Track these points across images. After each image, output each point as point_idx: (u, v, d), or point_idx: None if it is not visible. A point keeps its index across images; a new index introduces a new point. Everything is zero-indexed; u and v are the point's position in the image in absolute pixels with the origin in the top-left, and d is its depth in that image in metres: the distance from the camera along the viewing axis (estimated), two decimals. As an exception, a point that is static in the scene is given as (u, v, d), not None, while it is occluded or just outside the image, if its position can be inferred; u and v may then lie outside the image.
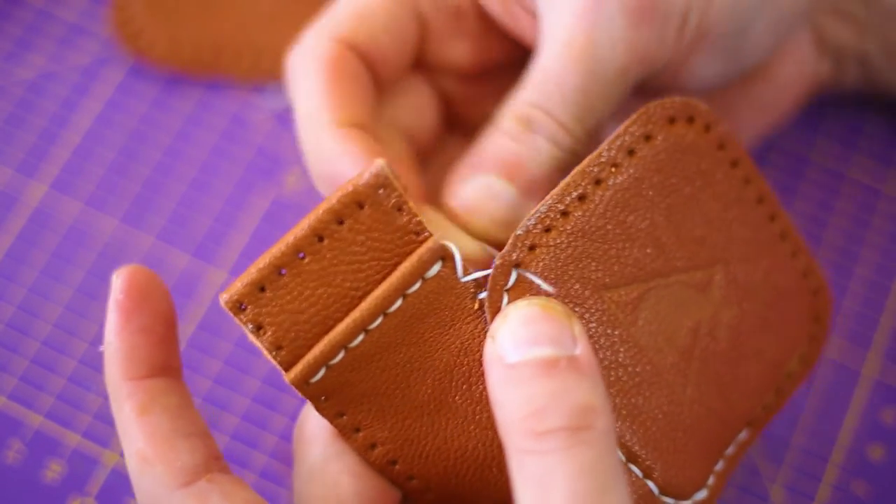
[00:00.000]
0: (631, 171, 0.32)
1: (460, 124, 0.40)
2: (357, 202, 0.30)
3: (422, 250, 0.30)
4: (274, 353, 0.30)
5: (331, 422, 0.31)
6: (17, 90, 0.48)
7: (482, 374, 0.31)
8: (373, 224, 0.30)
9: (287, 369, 0.30)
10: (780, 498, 0.42)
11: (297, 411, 0.43)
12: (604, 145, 0.32)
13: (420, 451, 0.31)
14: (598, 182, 0.31)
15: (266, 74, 0.48)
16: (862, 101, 0.47)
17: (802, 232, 0.46)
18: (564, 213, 0.31)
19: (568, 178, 0.31)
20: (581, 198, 0.31)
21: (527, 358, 0.28)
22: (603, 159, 0.31)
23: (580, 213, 0.31)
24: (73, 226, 0.46)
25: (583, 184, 0.31)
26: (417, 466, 0.32)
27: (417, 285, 0.30)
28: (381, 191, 0.30)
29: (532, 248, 0.31)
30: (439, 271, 0.30)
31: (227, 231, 0.46)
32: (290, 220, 0.46)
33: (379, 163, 0.30)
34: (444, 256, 0.30)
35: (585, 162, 0.31)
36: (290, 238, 0.30)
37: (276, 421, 0.43)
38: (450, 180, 0.34)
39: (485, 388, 0.30)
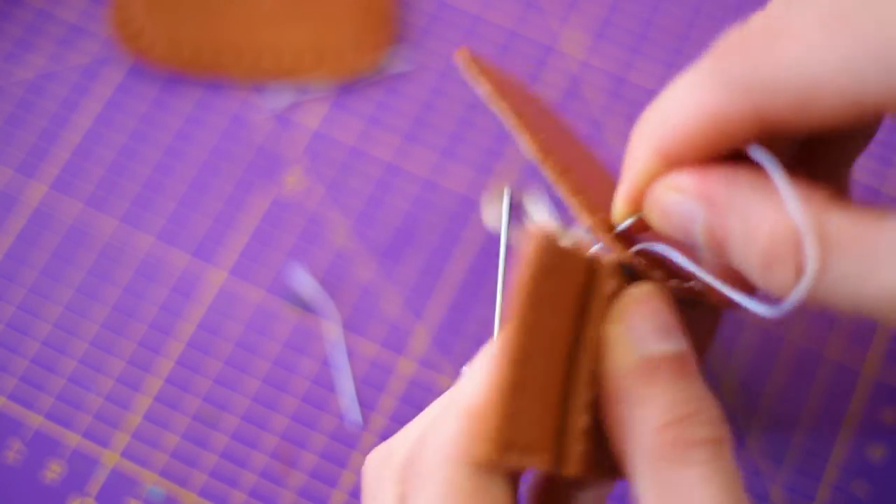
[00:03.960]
0: None
1: None
2: (541, 270, 0.27)
3: (601, 277, 0.28)
4: (546, 464, 0.28)
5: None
6: (17, 90, 0.48)
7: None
8: (555, 286, 0.27)
9: (562, 466, 0.28)
10: (779, 498, 0.42)
11: (297, 412, 0.43)
12: None
13: None
14: None
15: (266, 74, 0.48)
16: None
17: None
18: None
19: None
20: None
21: (664, 351, 0.27)
22: None
23: None
24: (73, 226, 0.46)
25: None
26: None
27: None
28: (549, 246, 0.27)
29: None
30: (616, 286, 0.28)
31: (227, 231, 0.46)
32: (290, 220, 0.46)
33: (533, 231, 0.27)
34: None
35: None
36: (512, 350, 0.26)
37: (276, 421, 0.43)
38: None
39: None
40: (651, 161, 0.27)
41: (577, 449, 0.28)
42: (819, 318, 0.44)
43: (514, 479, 0.28)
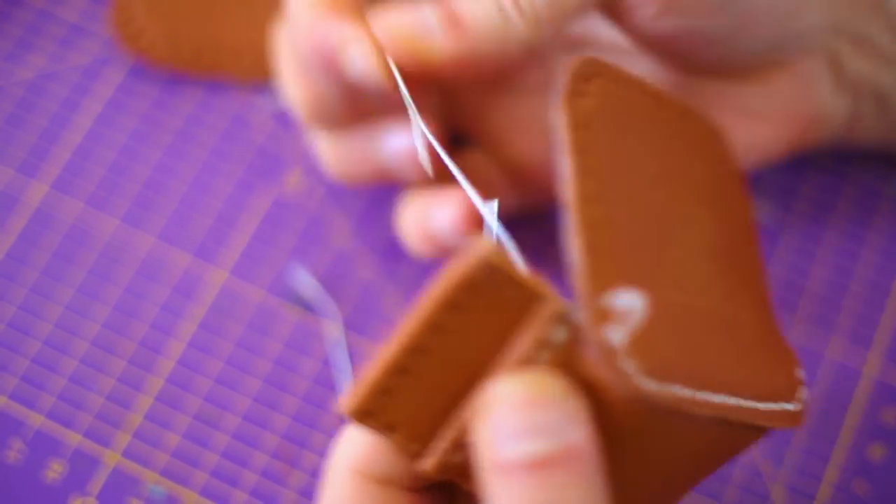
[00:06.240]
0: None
1: None
2: (467, 287, 0.27)
3: (540, 319, 0.27)
4: (405, 447, 0.28)
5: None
6: (17, 90, 0.48)
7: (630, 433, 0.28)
8: (487, 304, 0.27)
9: (421, 461, 0.29)
10: (780, 497, 0.42)
11: (298, 412, 0.43)
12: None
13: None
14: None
15: (266, 74, 0.48)
16: (883, 158, 0.46)
17: (803, 233, 0.46)
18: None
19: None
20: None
21: (518, 454, 0.25)
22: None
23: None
24: (74, 226, 0.46)
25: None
26: None
27: (545, 355, 0.27)
28: (488, 272, 0.27)
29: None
30: (567, 338, 0.27)
31: (228, 231, 0.46)
32: (291, 220, 0.46)
33: (481, 248, 0.27)
34: (569, 320, 0.27)
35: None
36: (405, 338, 0.27)
37: (276, 421, 0.43)
38: None
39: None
40: None
41: (443, 453, 0.28)
42: (819, 318, 0.44)
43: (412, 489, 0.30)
